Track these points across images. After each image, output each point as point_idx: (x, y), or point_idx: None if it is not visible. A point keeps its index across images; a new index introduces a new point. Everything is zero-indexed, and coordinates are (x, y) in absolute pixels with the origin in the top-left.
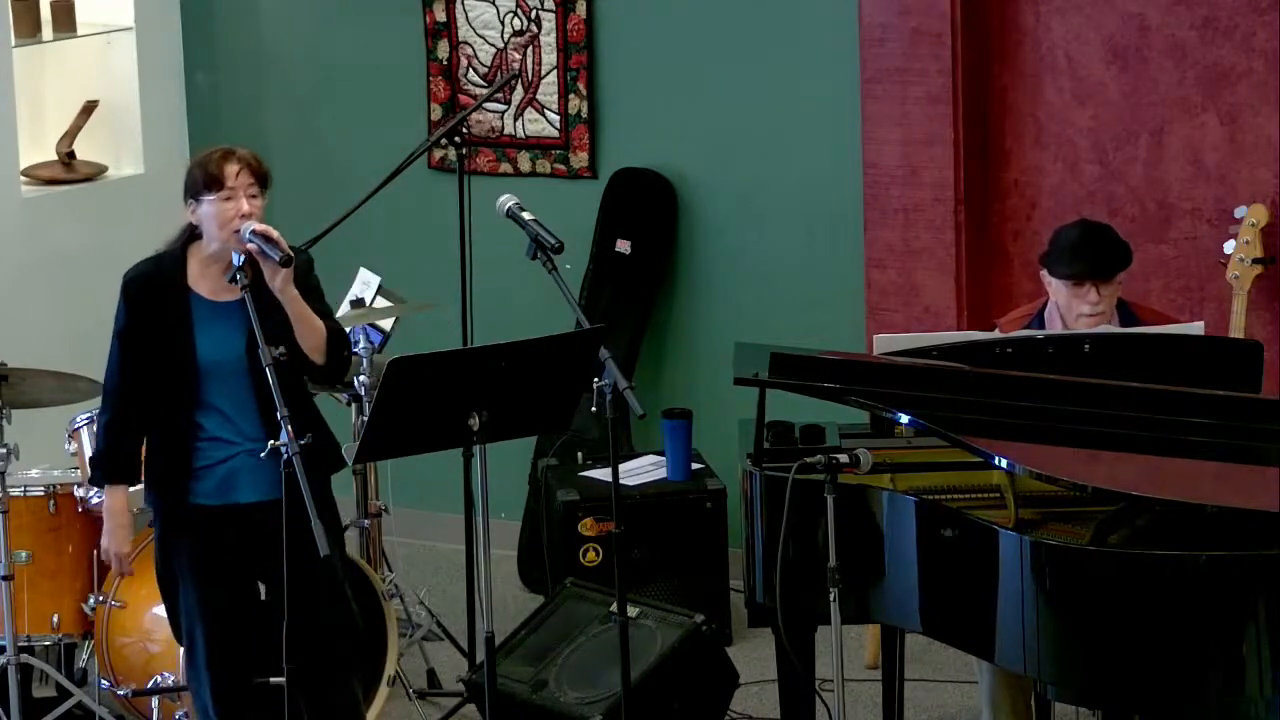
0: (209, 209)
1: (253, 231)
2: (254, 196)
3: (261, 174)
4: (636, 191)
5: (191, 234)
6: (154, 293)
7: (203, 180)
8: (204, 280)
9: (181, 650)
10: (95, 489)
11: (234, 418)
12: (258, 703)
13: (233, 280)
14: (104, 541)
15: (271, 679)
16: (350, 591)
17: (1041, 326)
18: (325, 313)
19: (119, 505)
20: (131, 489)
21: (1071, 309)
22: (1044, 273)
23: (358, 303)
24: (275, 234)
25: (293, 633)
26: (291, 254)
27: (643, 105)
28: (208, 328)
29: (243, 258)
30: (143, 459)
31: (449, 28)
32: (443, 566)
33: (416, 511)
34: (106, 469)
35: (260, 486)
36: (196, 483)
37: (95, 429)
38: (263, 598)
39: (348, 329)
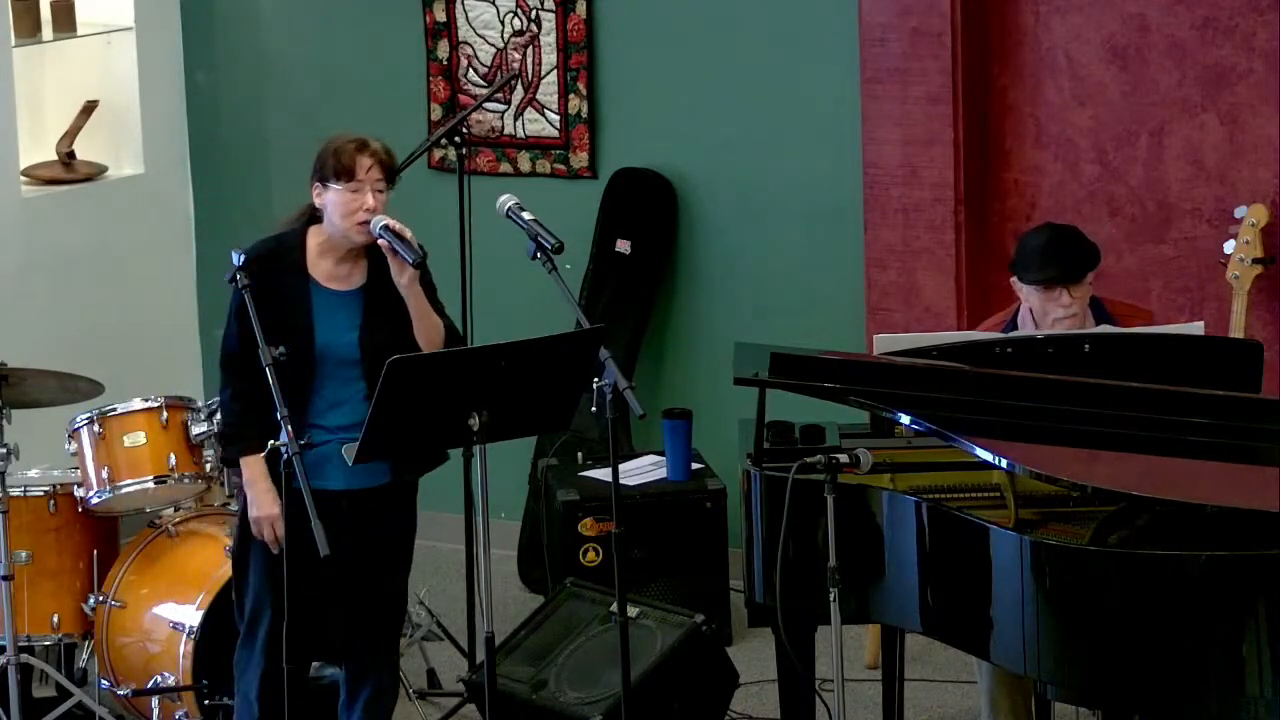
0: (334, 196)
1: (385, 227)
2: (380, 191)
3: (391, 170)
4: (636, 191)
5: (312, 216)
6: (273, 272)
7: (334, 168)
8: (320, 264)
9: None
10: (94, 490)
11: (336, 404)
12: (298, 694)
13: (231, 280)
14: (252, 512)
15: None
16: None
17: (1016, 330)
18: (440, 308)
19: (256, 473)
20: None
21: (1045, 313)
22: (1014, 279)
23: None
24: (409, 233)
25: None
26: (424, 254)
27: (643, 105)
28: (324, 314)
29: (242, 257)
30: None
31: (449, 28)
32: (443, 566)
33: (416, 511)
34: (237, 442)
35: (350, 474)
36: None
37: (218, 407)
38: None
39: None
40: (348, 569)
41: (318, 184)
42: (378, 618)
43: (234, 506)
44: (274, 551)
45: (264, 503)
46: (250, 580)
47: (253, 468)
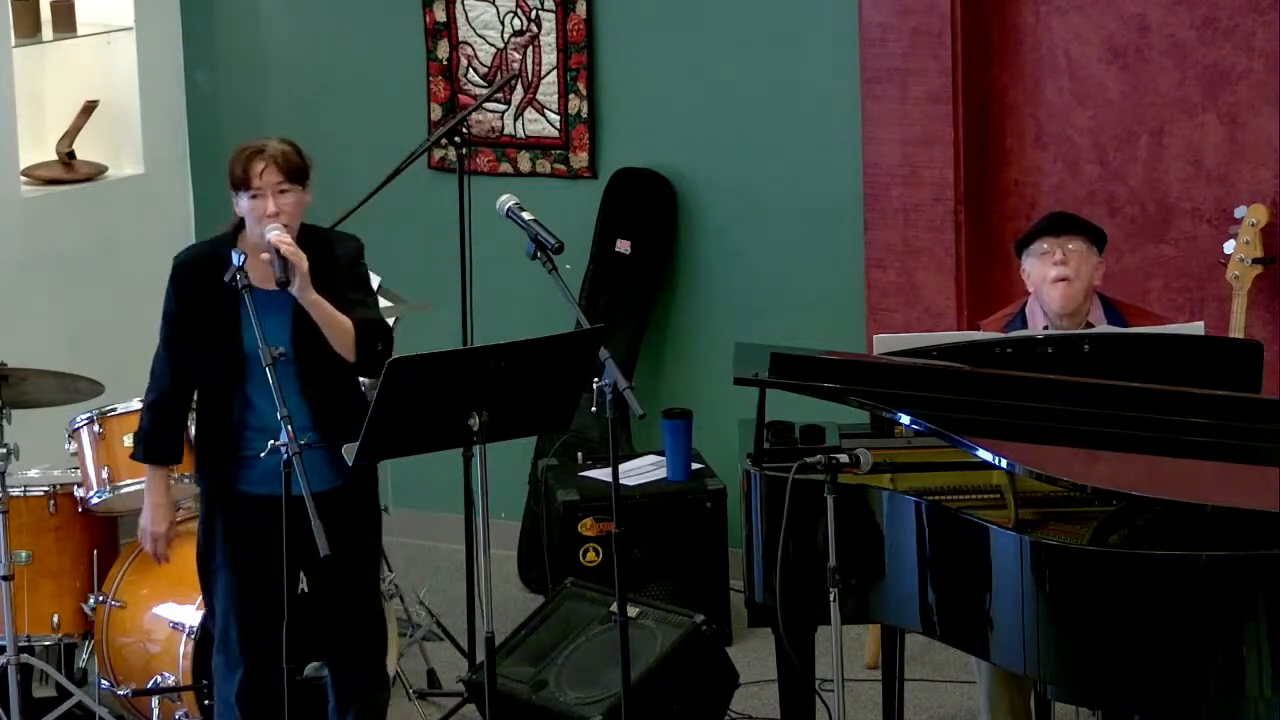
0: (243, 204)
1: (271, 239)
2: (284, 193)
3: (293, 169)
4: (636, 191)
5: (242, 222)
6: (204, 278)
7: (233, 179)
8: (253, 269)
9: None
10: (94, 490)
11: (269, 406)
12: (280, 696)
13: (231, 280)
14: (141, 520)
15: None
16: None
17: (1024, 324)
18: (367, 302)
19: (156, 484)
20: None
21: (1044, 278)
22: (1023, 269)
23: None
24: (287, 248)
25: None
26: (288, 279)
27: (643, 105)
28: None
29: (241, 257)
30: (191, 441)
31: (449, 28)
32: (443, 566)
33: (416, 512)
34: (147, 448)
35: (308, 477)
36: (245, 470)
37: (141, 409)
38: (302, 588)
39: None
40: (317, 572)
41: (232, 193)
42: (354, 620)
43: None
44: (158, 563)
45: (155, 517)
46: (216, 590)
47: (155, 478)
